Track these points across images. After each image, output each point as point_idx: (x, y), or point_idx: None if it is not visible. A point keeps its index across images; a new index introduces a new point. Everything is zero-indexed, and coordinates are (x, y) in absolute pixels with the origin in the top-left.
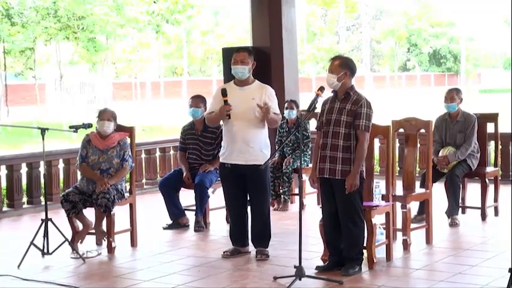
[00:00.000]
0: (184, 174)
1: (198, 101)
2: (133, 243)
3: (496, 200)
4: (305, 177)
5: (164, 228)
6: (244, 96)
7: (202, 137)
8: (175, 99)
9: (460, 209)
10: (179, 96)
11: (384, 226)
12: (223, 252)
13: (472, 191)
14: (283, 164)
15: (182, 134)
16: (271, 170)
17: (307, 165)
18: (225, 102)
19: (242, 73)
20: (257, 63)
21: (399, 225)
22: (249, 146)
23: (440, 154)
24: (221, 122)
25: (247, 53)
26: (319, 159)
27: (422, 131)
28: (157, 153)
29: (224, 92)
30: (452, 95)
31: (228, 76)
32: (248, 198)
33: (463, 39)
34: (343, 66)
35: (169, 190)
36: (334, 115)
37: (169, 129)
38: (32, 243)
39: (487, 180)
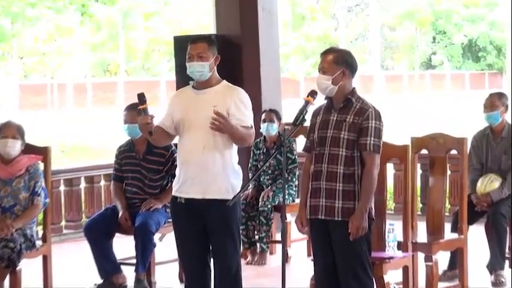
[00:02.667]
0: (119, 214)
1: (133, 114)
2: None
3: None
4: (290, 218)
5: None
6: (201, 103)
7: (145, 162)
8: (108, 108)
9: (507, 262)
10: (113, 104)
11: (401, 286)
12: None
13: None
14: (260, 200)
15: (117, 158)
16: (243, 207)
17: (293, 201)
18: (143, 111)
19: (200, 72)
20: (222, 58)
21: (422, 283)
22: (209, 172)
23: (479, 185)
24: (175, 140)
25: (206, 43)
26: (310, 192)
27: (454, 152)
28: (83, 184)
29: (141, 98)
30: (493, 100)
31: (182, 75)
32: (211, 248)
33: (509, 24)
34: (340, 62)
35: (99, 236)
36: (331, 131)
37: (99, 151)
38: None
39: None
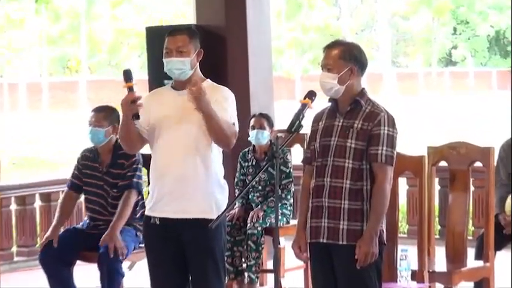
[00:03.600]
0: (49, 231)
1: (100, 116)
2: None
3: None
4: (284, 242)
5: None
6: (181, 105)
7: (108, 176)
8: (68, 112)
9: None
10: (74, 107)
11: None
12: None
13: None
14: (248, 221)
15: (79, 162)
16: (229, 230)
17: (288, 223)
18: (129, 90)
19: (180, 70)
20: (204, 53)
21: None
22: (189, 184)
23: (508, 204)
24: (143, 151)
25: (187, 36)
26: (310, 212)
27: (478, 164)
28: (38, 203)
29: (127, 75)
30: None
31: (156, 73)
32: (190, 277)
33: None
34: (347, 58)
35: (57, 264)
36: (335, 139)
37: (57, 163)
38: None
39: None
